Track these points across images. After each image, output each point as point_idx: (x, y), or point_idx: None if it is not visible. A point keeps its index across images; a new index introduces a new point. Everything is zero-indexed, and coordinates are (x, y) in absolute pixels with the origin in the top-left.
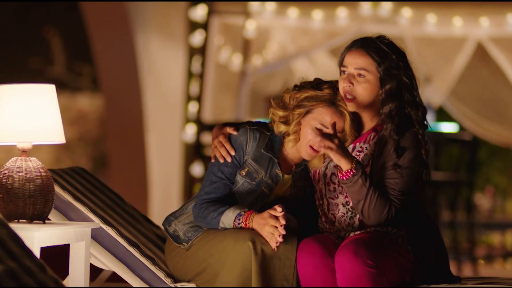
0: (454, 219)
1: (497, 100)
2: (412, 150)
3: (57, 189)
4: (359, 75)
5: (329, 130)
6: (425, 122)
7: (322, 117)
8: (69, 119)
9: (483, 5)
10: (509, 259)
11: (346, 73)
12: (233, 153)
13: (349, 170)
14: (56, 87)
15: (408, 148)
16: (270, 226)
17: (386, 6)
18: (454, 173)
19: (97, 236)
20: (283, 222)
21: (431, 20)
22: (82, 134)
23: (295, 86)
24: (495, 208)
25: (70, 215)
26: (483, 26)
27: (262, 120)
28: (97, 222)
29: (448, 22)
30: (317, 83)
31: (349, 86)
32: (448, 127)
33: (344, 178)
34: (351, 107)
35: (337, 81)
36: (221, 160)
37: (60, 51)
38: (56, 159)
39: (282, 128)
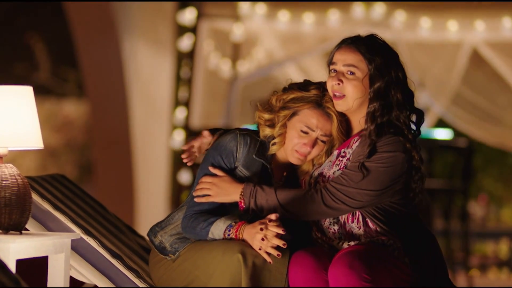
0: (448, 228)
1: (493, 105)
2: (388, 153)
3: (35, 197)
4: (349, 72)
5: (315, 134)
6: (416, 127)
7: (308, 119)
8: (54, 125)
9: (478, 8)
10: (503, 268)
11: (335, 71)
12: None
13: (240, 196)
14: (42, 93)
15: (384, 150)
16: (262, 236)
17: (379, 10)
18: (448, 180)
19: (77, 248)
20: (279, 231)
21: (425, 23)
22: (68, 140)
23: (284, 88)
24: (489, 216)
25: (49, 225)
26: (478, 30)
27: (250, 126)
28: (78, 233)
29: (443, 26)
30: (305, 84)
31: (338, 84)
32: (442, 134)
33: (244, 206)
34: (340, 106)
35: (325, 82)
36: (188, 163)
37: (44, 57)
38: (41, 166)
39: (267, 131)
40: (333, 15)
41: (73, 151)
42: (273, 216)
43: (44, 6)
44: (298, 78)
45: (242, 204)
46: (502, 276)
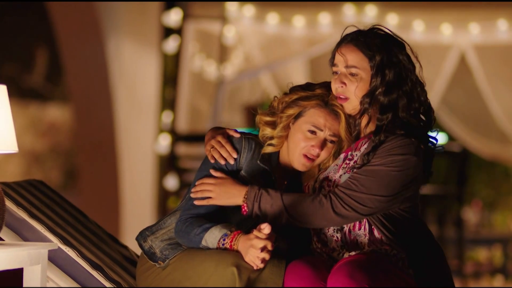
0: (442, 234)
1: (485, 111)
2: (399, 156)
3: (9, 204)
4: (351, 74)
5: (323, 134)
6: (427, 122)
7: (315, 118)
8: (39, 130)
9: (472, 9)
10: (496, 275)
11: (337, 73)
12: (235, 155)
13: (244, 200)
14: (30, 97)
15: (395, 153)
16: (256, 250)
17: (371, 13)
18: (442, 186)
19: (55, 258)
20: (269, 247)
21: (418, 26)
22: (53, 146)
23: (284, 93)
24: (482, 222)
25: (24, 235)
26: (472, 33)
27: (249, 130)
28: (55, 243)
29: (436, 28)
30: (308, 85)
31: (342, 86)
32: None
33: (247, 210)
34: (346, 109)
35: (330, 82)
36: (222, 162)
37: (42, 61)
38: (26, 172)
39: (267, 131)
40: (324, 18)
41: (59, 156)
42: (266, 230)
43: (35, 7)
44: (284, 82)
45: (245, 208)
46: (495, 283)
